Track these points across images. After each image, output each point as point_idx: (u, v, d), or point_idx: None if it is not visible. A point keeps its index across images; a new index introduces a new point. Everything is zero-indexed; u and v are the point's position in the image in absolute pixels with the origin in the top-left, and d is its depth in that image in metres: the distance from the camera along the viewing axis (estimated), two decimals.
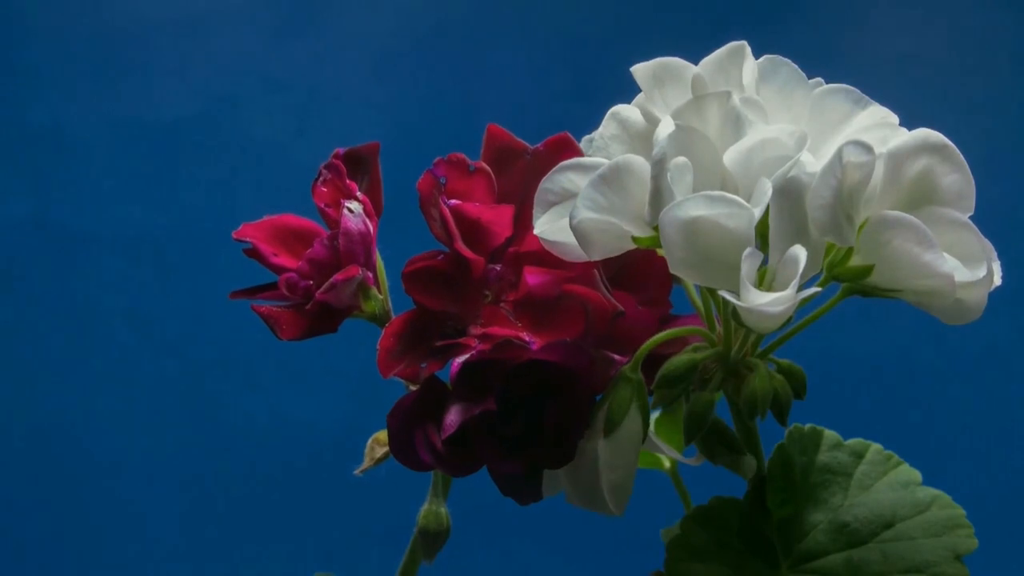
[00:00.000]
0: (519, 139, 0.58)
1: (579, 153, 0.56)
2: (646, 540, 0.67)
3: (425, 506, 0.65)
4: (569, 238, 0.52)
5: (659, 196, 0.49)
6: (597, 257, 0.53)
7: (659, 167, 0.49)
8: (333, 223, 0.58)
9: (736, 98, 0.51)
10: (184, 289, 1.45)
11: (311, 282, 0.57)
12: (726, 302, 0.51)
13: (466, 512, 0.67)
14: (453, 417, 0.53)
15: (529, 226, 0.54)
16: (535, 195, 0.54)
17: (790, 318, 0.49)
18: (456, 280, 0.55)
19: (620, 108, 0.56)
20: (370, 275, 0.58)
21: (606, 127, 0.56)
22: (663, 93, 0.54)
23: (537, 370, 0.53)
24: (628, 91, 0.56)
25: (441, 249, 0.56)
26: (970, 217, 0.52)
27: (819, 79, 0.55)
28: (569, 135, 0.58)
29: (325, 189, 0.59)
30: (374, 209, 0.58)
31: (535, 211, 0.54)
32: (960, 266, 0.50)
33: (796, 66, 0.54)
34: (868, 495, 0.58)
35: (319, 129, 1.48)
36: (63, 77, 1.49)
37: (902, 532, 0.57)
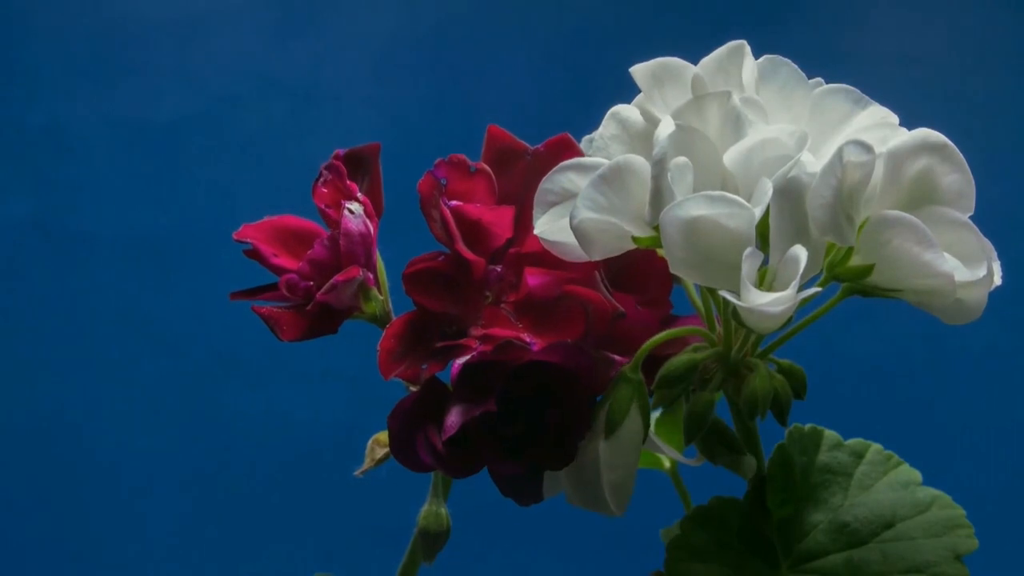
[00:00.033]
0: (520, 140, 0.58)
1: (579, 154, 0.56)
2: (646, 540, 0.67)
3: (425, 507, 0.65)
4: (569, 238, 0.52)
5: (660, 196, 0.49)
6: (597, 257, 0.53)
7: (659, 167, 0.49)
8: (334, 224, 0.58)
9: (736, 98, 0.51)
10: (184, 289, 1.45)
11: (312, 283, 0.57)
12: (726, 302, 0.51)
13: (466, 513, 0.67)
14: (454, 418, 0.53)
15: (530, 227, 0.54)
16: (535, 195, 0.54)
17: (790, 318, 0.49)
18: (457, 281, 0.55)
19: (620, 108, 0.56)
20: (370, 276, 0.58)
21: (606, 127, 0.56)
22: (662, 93, 0.54)
23: (538, 371, 0.53)
24: (628, 91, 0.56)
25: (442, 250, 0.56)
26: (970, 217, 0.52)
27: (819, 79, 0.55)
28: (569, 136, 0.58)
29: (325, 190, 0.59)
30: (375, 210, 0.58)
31: (535, 211, 0.53)
32: (960, 266, 0.50)
33: (796, 66, 0.54)
34: (868, 495, 0.58)
35: (319, 129, 1.48)
36: (63, 77, 1.50)
37: (902, 532, 0.57)
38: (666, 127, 0.50)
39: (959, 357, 1.41)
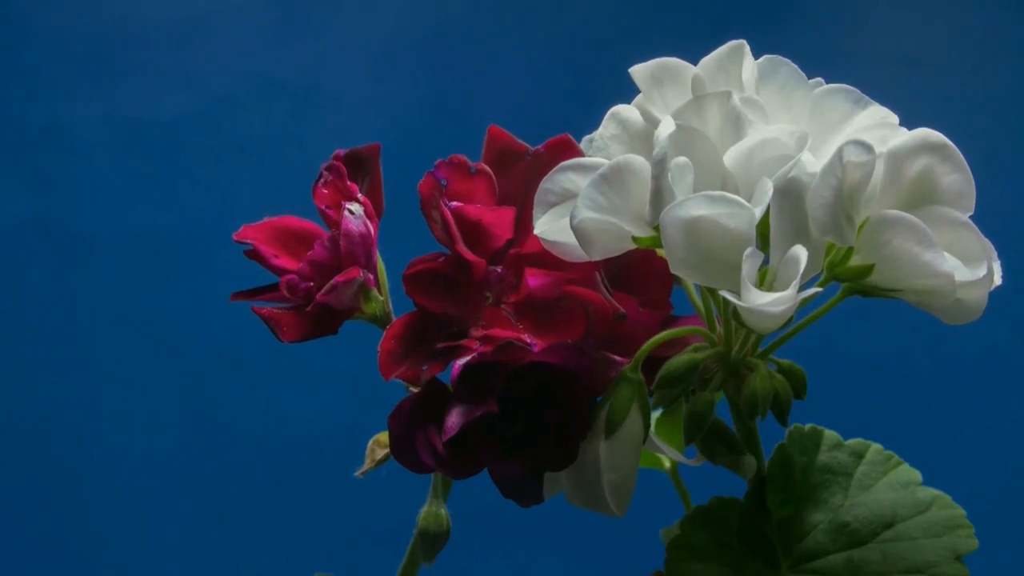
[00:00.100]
0: (520, 140, 0.58)
1: (580, 154, 0.56)
2: (646, 540, 0.67)
3: (425, 507, 0.65)
4: (569, 238, 0.52)
5: (660, 196, 0.49)
6: (597, 257, 0.53)
7: (660, 167, 0.49)
8: (334, 224, 0.58)
9: (736, 98, 0.51)
10: (184, 289, 1.45)
11: (312, 284, 0.57)
12: (727, 302, 0.51)
13: (466, 513, 0.67)
14: (454, 419, 0.53)
15: (530, 228, 0.54)
16: (535, 195, 0.54)
17: (791, 318, 0.49)
18: (457, 282, 0.55)
19: (620, 108, 0.56)
20: (371, 277, 0.58)
21: (606, 127, 0.56)
22: (662, 93, 0.54)
23: (538, 372, 0.53)
24: (628, 91, 0.56)
25: (442, 251, 0.56)
26: (970, 217, 0.52)
27: (819, 79, 0.55)
28: (570, 136, 0.58)
29: (326, 191, 0.59)
30: (375, 210, 0.58)
31: (535, 211, 0.53)
32: (960, 265, 0.50)
33: (796, 66, 0.54)
34: (868, 495, 0.58)
35: (319, 129, 1.48)
36: (63, 77, 1.49)
37: (902, 532, 0.57)
38: (666, 127, 0.50)
39: (959, 357, 1.41)
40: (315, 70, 1.50)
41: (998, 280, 0.52)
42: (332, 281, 0.56)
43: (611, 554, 1.27)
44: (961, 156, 0.52)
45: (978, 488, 1.33)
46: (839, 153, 0.49)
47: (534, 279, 0.54)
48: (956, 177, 0.52)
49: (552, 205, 0.53)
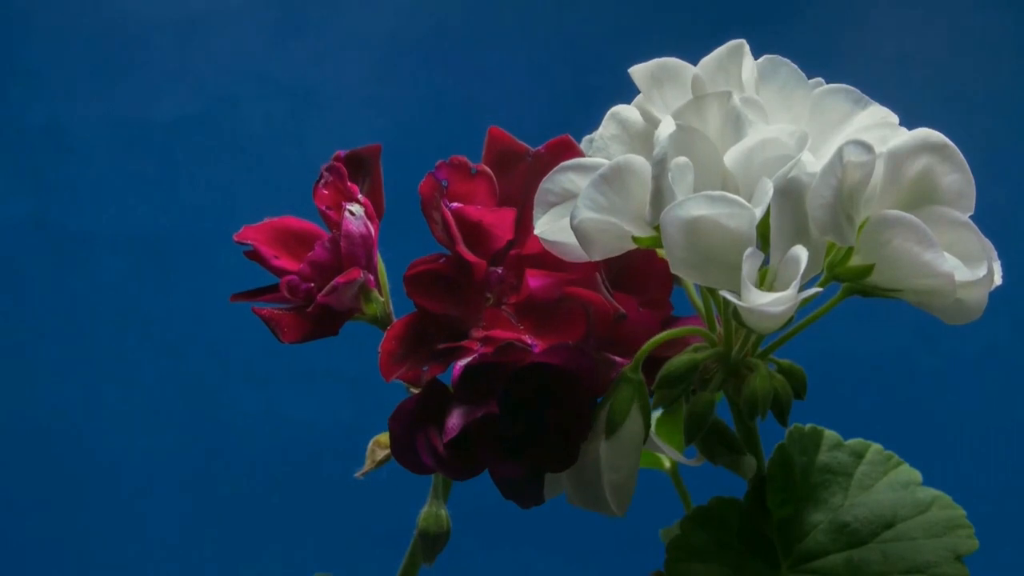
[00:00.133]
0: (520, 142, 0.58)
1: (580, 155, 0.56)
2: (646, 540, 0.67)
3: (425, 508, 0.65)
4: (569, 238, 0.52)
5: (660, 196, 0.49)
6: (597, 257, 0.53)
7: (660, 167, 0.49)
8: (334, 225, 0.58)
9: (736, 98, 0.51)
10: (184, 289, 1.45)
11: (312, 285, 0.57)
12: (727, 302, 0.51)
13: (466, 514, 0.67)
14: (455, 420, 0.53)
15: (531, 229, 0.54)
16: (535, 195, 0.54)
17: (791, 318, 0.49)
18: (458, 283, 0.55)
19: (620, 108, 0.56)
20: (371, 278, 0.58)
21: (606, 127, 0.56)
22: (662, 93, 0.54)
23: (539, 373, 0.53)
24: (628, 91, 0.56)
25: (443, 252, 0.56)
26: (970, 217, 0.52)
27: (819, 79, 0.55)
28: (570, 137, 0.58)
29: (326, 191, 0.59)
30: (375, 211, 0.58)
31: (535, 211, 0.53)
32: (960, 265, 0.50)
33: (796, 66, 0.54)
34: (868, 495, 0.58)
35: (319, 129, 1.48)
36: (63, 77, 1.49)
37: (902, 532, 0.57)
38: (667, 127, 0.50)
39: (959, 357, 1.41)
40: (315, 70, 1.50)
41: (998, 280, 0.52)
42: (333, 282, 0.56)
43: (611, 554, 1.27)
44: (961, 156, 0.52)
45: (978, 488, 1.33)
46: (839, 153, 0.49)
47: (535, 280, 0.54)
48: (956, 177, 0.52)
49: (552, 205, 0.53)
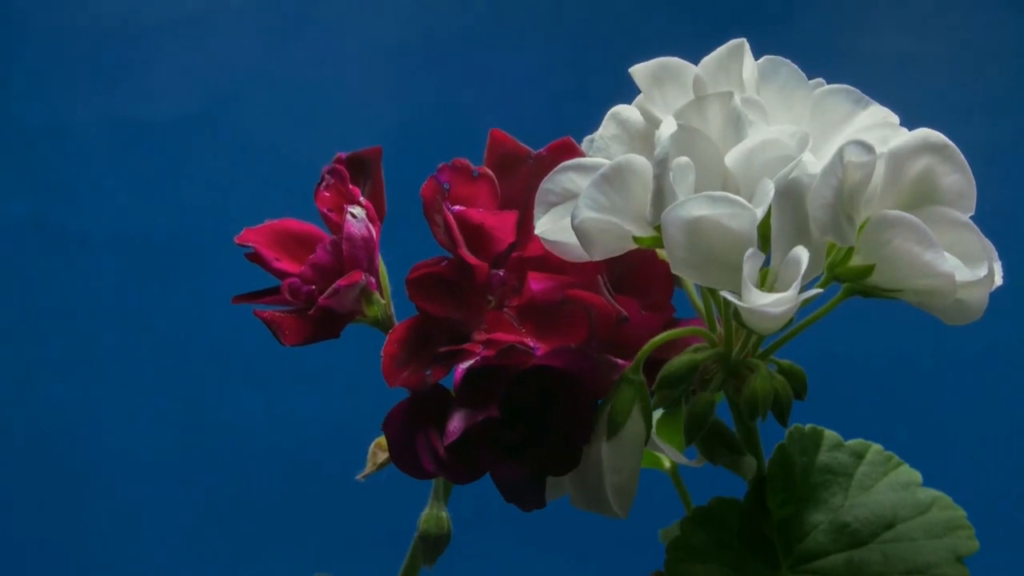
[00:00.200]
0: (522, 144, 0.58)
1: (582, 156, 0.56)
2: (646, 540, 0.67)
3: (426, 510, 0.65)
4: (570, 238, 0.52)
5: (661, 196, 0.49)
6: (598, 257, 0.53)
7: (662, 167, 0.49)
8: (336, 228, 0.58)
9: (738, 98, 0.51)
10: (184, 289, 1.45)
11: (314, 287, 0.57)
12: (727, 303, 0.51)
13: (467, 516, 0.67)
14: (456, 423, 0.53)
15: (532, 231, 0.54)
16: (536, 195, 0.54)
17: (791, 319, 0.49)
18: (460, 286, 0.55)
19: (620, 108, 0.56)
20: (373, 280, 0.58)
21: (606, 128, 0.56)
22: (662, 93, 0.54)
23: (541, 376, 0.53)
24: (628, 91, 0.56)
25: (444, 255, 0.56)
26: (971, 217, 0.51)
27: (820, 79, 0.55)
28: (572, 140, 0.58)
29: (328, 194, 0.59)
30: (377, 214, 0.58)
31: (536, 211, 0.53)
32: (961, 266, 0.50)
33: (796, 66, 0.54)
34: (868, 496, 0.58)
35: (319, 129, 1.48)
36: (63, 77, 1.49)
37: (903, 533, 0.57)
38: (668, 127, 0.50)
39: (959, 358, 1.40)
40: (315, 70, 1.50)
41: (999, 280, 0.52)
42: (334, 285, 0.56)
43: (611, 554, 1.27)
44: (962, 156, 0.52)
45: (978, 489, 1.33)
46: (840, 153, 0.49)
47: (536, 283, 0.54)
48: (957, 177, 0.52)
49: (553, 205, 0.53)
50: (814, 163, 0.50)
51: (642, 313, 0.55)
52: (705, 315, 0.56)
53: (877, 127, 0.53)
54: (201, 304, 1.43)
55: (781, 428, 0.55)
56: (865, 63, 1.48)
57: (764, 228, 0.49)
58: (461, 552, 0.66)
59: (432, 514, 0.65)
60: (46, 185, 1.48)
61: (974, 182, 0.52)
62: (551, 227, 0.53)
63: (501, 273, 0.56)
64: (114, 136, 1.48)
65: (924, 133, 0.52)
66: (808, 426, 0.60)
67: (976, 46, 1.49)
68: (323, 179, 0.59)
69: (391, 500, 0.81)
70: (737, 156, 0.50)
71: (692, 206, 0.48)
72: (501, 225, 0.56)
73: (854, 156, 0.49)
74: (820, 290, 0.49)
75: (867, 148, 0.49)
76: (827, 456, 0.59)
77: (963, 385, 1.42)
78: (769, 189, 0.48)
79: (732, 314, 0.52)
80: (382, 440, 0.63)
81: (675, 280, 0.57)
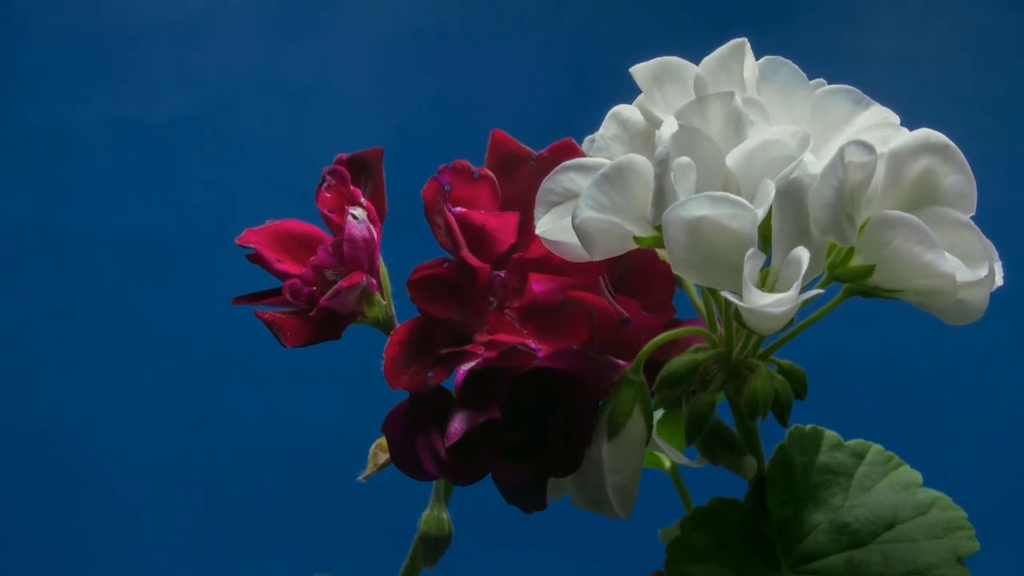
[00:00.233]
0: (523, 145, 0.58)
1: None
2: (646, 540, 0.67)
3: (427, 511, 0.65)
4: (571, 238, 0.52)
5: (662, 196, 0.49)
6: (599, 257, 0.53)
7: (663, 167, 0.49)
8: (337, 229, 0.58)
9: (739, 98, 0.51)
10: (184, 289, 1.45)
11: (315, 288, 0.57)
12: (728, 303, 0.51)
13: (468, 517, 0.66)
14: (458, 425, 0.53)
15: (534, 232, 0.54)
16: (537, 195, 0.54)
17: (792, 319, 0.49)
18: (461, 287, 0.55)
19: (621, 108, 0.56)
20: (374, 281, 0.58)
21: (607, 128, 0.56)
22: (663, 93, 0.54)
23: (542, 377, 0.53)
24: (629, 91, 0.56)
25: (446, 256, 0.56)
26: (971, 217, 0.51)
27: (820, 79, 0.55)
28: (573, 141, 0.58)
29: (329, 195, 0.58)
30: (377, 215, 0.58)
31: (537, 211, 0.53)
32: (962, 266, 0.50)
33: (796, 66, 0.54)
34: (869, 496, 0.58)
35: (319, 129, 1.48)
36: (63, 77, 1.49)
37: (903, 533, 0.57)
38: (669, 127, 0.50)
39: (960, 358, 1.40)
40: (315, 70, 1.50)
41: (999, 281, 0.52)
42: (336, 286, 0.56)
43: (611, 554, 1.27)
44: (962, 156, 0.52)
45: (978, 489, 1.33)
46: (840, 154, 0.49)
47: (538, 284, 0.54)
48: (957, 178, 0.52)
49: (554, 205, 0.53)
50: (815, 163, 0.50)
51: (643, 314, 0.55)
52: (706, 315, 0.56)
53: (878, 127, 0.53)
54: (201, 304, 1.43)
55: (781, 428, 0.55)
56: (865, 63, 1.48)
57: (765, 228, 0.49)
58: (461, 553, 0.66)
59: (433, 515, 0.65)
60: (46, 185, 1.48)
61: (975, 182, 0.52)
62: (552, 227, 0.53)
63: (502, 274, 0.55)
64: (114, 136, 1.48)
65: (925, 133, 0.52)
66: (808, 426, 0.60)
67: (976, 46, 1.49)
68: (324, 180, 0.59)
69: (392, 501, 0.81)
70: (738, 156, 0.50)
71: (693, 206, 0.48)
72: (502, 226, 0.56)
73: (855, 156, 0.49)
74: (821, 290, 0.49)
75: (868, 148, 0.49)
76: (827, 456, 0.59)
77: (963, 385, 1.42)
78: (770, 189, 0.48)
79: (733, 314, 0.52)
80: (383, 441, 0.63)
81: (676, 280, 0.57)
